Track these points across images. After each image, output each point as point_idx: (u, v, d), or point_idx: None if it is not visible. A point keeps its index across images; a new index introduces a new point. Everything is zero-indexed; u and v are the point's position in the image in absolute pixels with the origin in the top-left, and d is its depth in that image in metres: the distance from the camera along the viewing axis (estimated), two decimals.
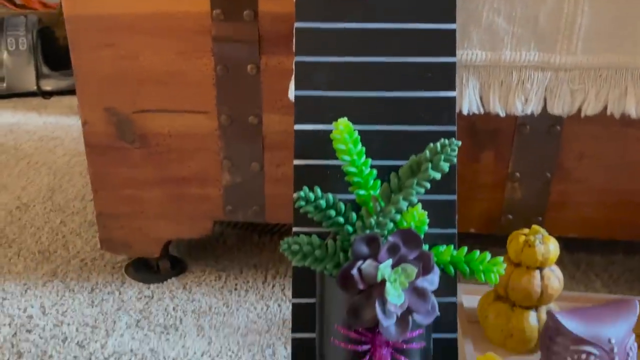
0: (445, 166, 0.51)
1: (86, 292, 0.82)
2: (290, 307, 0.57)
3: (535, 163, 0.74)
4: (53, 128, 1.54)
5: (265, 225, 0.98)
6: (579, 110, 0.68)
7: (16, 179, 1.19)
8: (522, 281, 0.65)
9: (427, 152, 0.51)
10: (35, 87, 1.79)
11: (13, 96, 1.77)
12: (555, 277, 0.66)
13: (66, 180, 1.20)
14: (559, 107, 0.68)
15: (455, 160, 0.51)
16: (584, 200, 0.76)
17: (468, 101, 0.68)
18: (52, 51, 1.83)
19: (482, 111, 0.68)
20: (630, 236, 0.78)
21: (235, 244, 0.96)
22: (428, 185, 0.51)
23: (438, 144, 0.51)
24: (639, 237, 0.77)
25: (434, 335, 0.55)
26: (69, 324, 0.76)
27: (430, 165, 0.50)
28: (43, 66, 1.80)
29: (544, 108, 0.68)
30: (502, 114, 0.68)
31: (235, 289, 0.84)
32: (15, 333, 0.74)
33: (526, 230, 0.67)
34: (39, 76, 1.79)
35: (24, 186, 1.16)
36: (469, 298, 0.75)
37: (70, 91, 1.76)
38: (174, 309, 0.79)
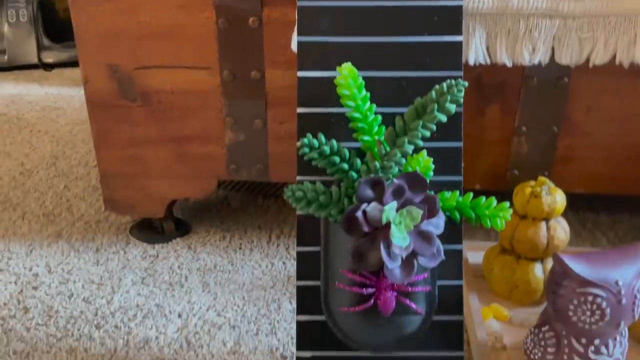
0: (452, 107, 0.50)
1: (91, 252, 0.83)
2: (295, 265, 0.57)
3: (542, 117, 0.73)
4: (55, 99, 1.53)
5: (270, 188, 0.98)
6: (587, 61, 0.67)
7: (19, 146, 1.19)
8: (528, 233, 0.65)
9: (433, 93, 0.50)
10: (36, 59, 1.78)
11: (14, 69, 1.76)
12: (561, 229, 0.65)
13: (69, 147, 1.20)
14: (567, 57, 0.66)
15: (461, 100, 0.50)
16: (591, 154, 0.75)
17: (474, 51, 0.66)
18: (53, 23, 1.82)
19: (488, 61, 0.67)
20: (638, 191, 0.77)
21: (239, 206, 0.96)
22: (434, 127, 0.51)
23: (444, 84, 0.50)
24: None
25: (439, 282, 0.55)
26: (74, 282, 0.76)
27: (436, 106, 0.49)
28: (44, 38, 1.78)
29: (552, 58, 0.67)
30: (509, 64, 0.67)
31: (240, 249, 0.84)
32: (22, 290, 0.74)
33: (532, 183, 0.67)
34: (40, 48, 1.78)
35: (27, 153, 1.16)
36: (473, 254, 0.75)
37: (72, 63, 1.75)
38: (179, 267, 0.79)
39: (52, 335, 0.66)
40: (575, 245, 0.82)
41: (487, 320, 0.63)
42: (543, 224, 0.65)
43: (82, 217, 0.92)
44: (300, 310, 0.56)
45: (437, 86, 0.50)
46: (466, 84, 0.50)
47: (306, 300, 0.56)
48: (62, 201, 0.97)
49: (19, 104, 1.47)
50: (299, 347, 0.56)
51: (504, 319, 0.65)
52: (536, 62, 0.67)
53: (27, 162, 1.12)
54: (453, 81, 0.50)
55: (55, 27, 1.81)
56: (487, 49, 0.67)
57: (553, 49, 0.66)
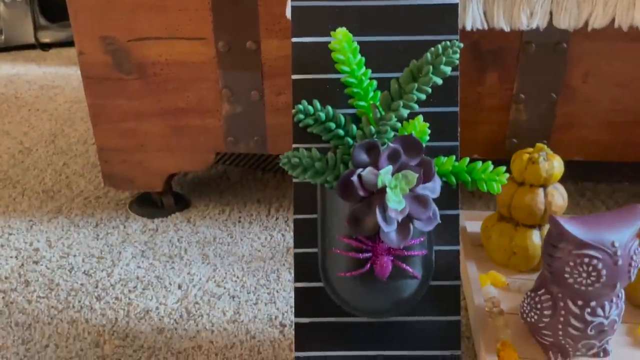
0: (447, 69, 0.49)
1: (91, 227, 0.83)
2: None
3: (540, 83, 0.73)
4: (53, 78, 1.52)
5: (269, 163, 0.98)
6: (586, 25, 0.66)
7: (18, 125, 1.19)
8: (526, 199, 0.65)
9: (429, 55, 0.49)
10: (33, 40, 1.76)
11: (11, 49, 1.75)
12: (559, 195, 0.65)
13: (68, 125, 1.20)
14: (566, 21, 0.66)
15: (457, 62, 0.50)
16: (590, 121, 0.74)
17: (472, 16, 0.66)
18: (49, 2, 1.80)
19: (486, 27, 0.66)
20: (638, 158, 0.77)
21: (238, 180, 0.96)
22: (429, 90, 0.50)
23: (439, 46, 0.49)
24: None
25: (436, 247, 0.55)
26: (74, 256, 0.76)
27: (431, 68, 0.49)
28: (40, 18, 1.77)
29: (550, 23, 0.66)
30: (507, 29, 0.66)
31: (239, 222, 0.84)
32: (22, 264, 0.75)
33: (530, 149, 0.66)
34: (36, 28, 1.77)
35: (26, 132, 1.16)
36: (471, 223, 0.75)
37: (69, 42, 1.74)
38: (178, 240, 0.79)
39: (54, 307, 0.67)
40: (575, 214, 0.82)
41: (485, 286, 0.63)
42: (541, 191, 0.65)
43: (81, 193, 0.92)
44: (298, 277, 0.56)
45: (432, 48, 0.50)
46: (462, 45, 0.50)
47: (304, 268, 0.56)
48: (62, 178, 0.97)
49: (17, 84, 1.46)
50: (297, 314, 0.56)
51: (501, 286, 0.65)
52: (534, 26, 0.66)
53: (26, 140, 1.12)
54: (448, 42, 0.49)
55: (51, 6, 1.79)
56: (485, 13, 0.66)
57: (551, 13, 0.65)
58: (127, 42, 0.74)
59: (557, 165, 0.64)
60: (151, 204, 0.87)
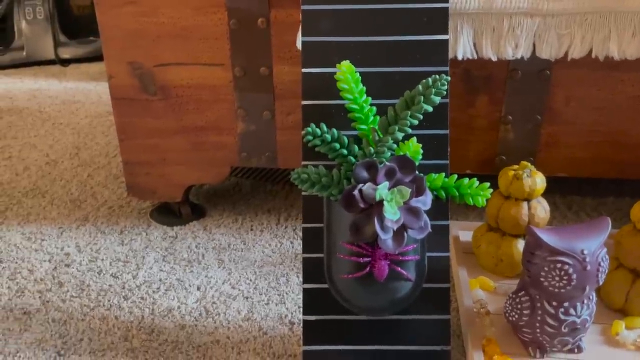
0: (436, 99, 0.57)
1: (116, 233, 0.91)
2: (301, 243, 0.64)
3: (526, 106, 0.80)
4: (73, 93, 1.61)
5: (278, 175, 1.05)
6: (566, 55, 0.73)
7: (43, 138, 1.27)
8: (511, 211, 0.72)
9: (420, 87, 0.57)
10: (53, 55, 1.86)
11: (33, 64, 1.84)
12: (541, 208, 0.72)
13: (90, 139, 1.28)
14: (547, 52, 0.73)
15: (445, 93, 0.57)
16: (573, 141, 0.82)
17: (462, 47, 0.73)
18: (68, 20, 1.89)
19: (475, 56, 0.74)
20: (616, 174, 0.84)
21: (250, 192, 1.03)
22: (421, 117, 0.58)
23: (429, 79, 0.57)
24: (623, 175, 0.83)
25: (428, 254, 0.62)
26: (102, 260, 0.84)
27: (422, 98, 0.56)
28: (60, 35, 1.86)
29: (533, 53, 0.73)
30: (494, 59, 0.74)
31: (251, 230, 0.91)
32: (56, 267, 0.82)
33: (516, 166, 0.74)
34: (56, 44, 1.86)
35: (51, 145, 1.24)
36: (464, 233, 0.82)
37: (87, 59, 1.83)
38: (196, 246, 0.87)
39: (86, 306, 0.74)
40: (561, 225, 0.89)
41: (474, 290, 0.70)
42: (525, 204, 0.72)
43: (105, 202, 1.00)
44: (306, 279, 0.64)
45: (423, 80, 0.57)
46: (449, 78, 0.57)
47: (311, 271, 0.63)
48: (87, 188, 1.05)
49: (40, 98, 1.55)
50: (305, 312, 0.63)
51: (489, 289, 0.72)
52: (519, 56, 0.73)
53: (51, 153, 1.20)
54: (437, 76, 0.57)
55: (70, 23, 1.89)
56: (474, 45, 0.73)
57: (534, 45, 0.73)
58: (152, 67, 0.82)
59: (539, 181, 0.71)
60: (170, 213, 0.95)
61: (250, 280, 0.79)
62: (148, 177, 0.90)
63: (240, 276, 0.80)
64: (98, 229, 0.92)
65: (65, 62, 1.87)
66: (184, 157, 0.88)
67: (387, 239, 0.56)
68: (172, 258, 0.84)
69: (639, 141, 0.81)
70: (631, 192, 0.99)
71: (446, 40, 0.63)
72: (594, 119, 0.80)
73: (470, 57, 0.74)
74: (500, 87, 0.79)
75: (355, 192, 0.56)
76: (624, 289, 0.65)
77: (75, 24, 1.91)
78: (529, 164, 0.73)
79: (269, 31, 0.78)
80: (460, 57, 0.74)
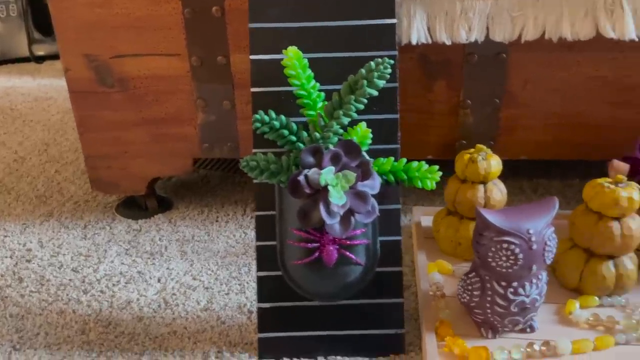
0: (380, 83, 0.57)
1: (79, 228, 0.90)
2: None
3: (484, 90, 0.80)
4: (47, 89, 1.60)
5: None
6: (520, 37, 0.73)
7: (13, 135, 1.26)
8: (467, 194, 0.72)
9: (363, 71, 0.57)
10: (27, 53, 1.84)
11: (7, 62, 1.83)
12: (497, 190, 0.72)
13: (60, 134, 1.27)
14: (501, 34, 0.73)
15: (388, 76, 0.57)
16: (532, 123, 0.82)
17: (416, 32, 0.73)
18: (42, 17, 1.87)
19: (430, 41, 0.74)
20: (577, 156, 0.84)
21: (218, 184, 1.03)
22: (365, 101, 0.57)
23: (372, 63, 0.56)
24: (584, 156, 0.83)
25: (381, 238, 0.62)
26: (64, 254, 0.83)
27: (366, 82, 0.56)
28: (34, 32, 1.84)
29: (488, 36, 0.73)
30: (448, 43, 0.73)
31: (217, 221, 0.91)
32: (16, 263, 0.82)
33: (472, 150, 0.74)
34: (30, 42, 1.84)
35: (21, 142, 1.23)
36: (425, 218, 0.82)
37: None
38: (159, 239, 0.87)
39: (44, 300, 0.74)
40: None
41: (431, 273, 0.71)
42: (481, 187, 0.72)
43: (71, 198, 0.99)
44: (260, 267, 0.63)
45: (367, 64, 0.57)
46: (392, 62, 0.57)
47: (265, 258, 0.63)
48: (53, 184, 1.04)
49: (12, 96, 1.53)
50: (260, 300, 0.63)
51: (448, 273, 0.72)
52: (472, 40, 0.73)
53: (20, 149, 1.19)
54: (380, 59, 0.56)
55: (44, 20, 1.87)
56: (428, 29, 0.73)
57: (488, 28, 0.73)
58: (109, 59, 0.81)
59: (494, 164, 0.71)
60: (136, 206, 0.94)
61: (212, 270, 0.79)
62: (110, 171, 0.89)
63: (202, 267, 0.79)
64: (62, 224, 0.91)
65: (39, 59, 1.85)
66: (146, 150, 0.87)
67: (333, 224, 0.55)
68: (134, 251, 0.84)
69: (598, 122, 0.81)
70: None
71: (394, 24, 0.63)
72: (552, 101, 0.80)
73: (425, 42, 0.74)
74: (458, 71, 0.79)
75: (301, 178, 0.56)
76: (577, 268, 0.66)
77: (49, 21, 1.88)
78: (485, 147, 0.73)
79: (224, 20, 0.78)
80: (414, 42, 0.74)
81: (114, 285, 0.76)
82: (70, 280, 0.78)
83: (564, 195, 0.95)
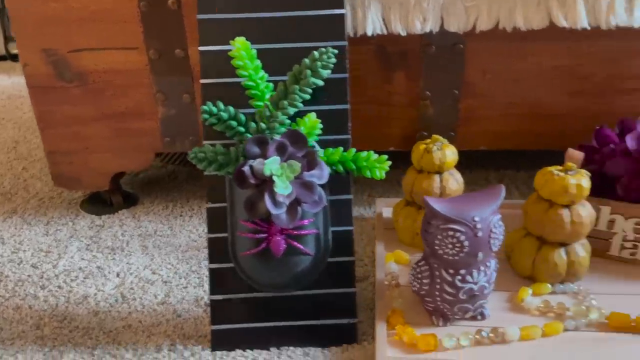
0: (324, 72, 0.57)
1: (42, 224, 0.89)
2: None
3: (443, 81, 0.80)
4: (21, 88, 1.58)
5: None
6: (474, 27, 0.73)
7: None
8: (423, 184, 0.72)
9: (307, 61, 0.56)
10: (4, 51, 1.82)
11: None
12: (453, 180, 0.72)
13: (30, 132, 1.26)
14: (455, 25, 0.73)
15: (332, 66, 0.57)
16: (491, 114, 0.82)
17: (372, 23, 0.73)
18: None
19: (385, 32, 0.74)
20: (537, 146, 0.84)
21: (185, 179, 1.03)
22: (310, 90, 0.57)
23: (316, 53, 0.56)
24: (543, 146, 0.84)
25: (332, 228, 0.62)
26: (24, 251, 0.83)
27: (309, 72, 0.56)
28: (10, 30, 1.83)
29: (442, 27, 0.73)
30: (404, 34, 0.73)
31: (181, 215, 0.91)
32: None
33: (428, 140, 0.74)
34: (7, 40, 1.83)
35: None
36: (387, 209, 0.82)
37: None
38: (122, 234, 0.86)
39: (1, 296, 0.73)
40: None
41: (388, 263, 0.71)
42: (437, 177, 0.72)
43: (36, 194, 0.99)
44: (212, 259, 0.63)
45: (310, 54, 0.57)
46: (336, 51, 0.57)
47: (217, 251, 0.63)
48: (20, 181, 1.04)
49: None
50: (212, 292, 0.63)
51: (405, 263, 0.72)
52: (427, 30, 0.73)
53: None
54: (324, 49, 0.56)
55: None
56: (383, 20, 0.73)
57: (442, 18, 0.73)
58: (66, 53, 0.81)
59: (450, 154, 0.72)
60: (101, 202, 0.94)
61: (172, 265, 0.78)
62: (72, 167, 0.88)
63: (162, 261, 0.79)
64: (25, 220, 0.91)
65: (16, 58, 1.83)
66: (107, 145, 0.87)
67: (279, 214, 0.55)
68: (95, 246, 0.83)
69: (556, 112, 0.81)
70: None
71: (342, 15, 0.63)
72: (510, 91, 0.80)
73: (380, 33, 0.74)
74: (416, 62, 0.79)
75: (246, 168, 0.55)
76: (530, 256, 0.66)
77: None
78: (441, 138, 0.73)
79: (181, 12, 0.77)
80: (370, 33, 0.73)
81: (72, 280, 0.76)
82: (28, 276, 0.77)
83: (528, 185, 0.95)
